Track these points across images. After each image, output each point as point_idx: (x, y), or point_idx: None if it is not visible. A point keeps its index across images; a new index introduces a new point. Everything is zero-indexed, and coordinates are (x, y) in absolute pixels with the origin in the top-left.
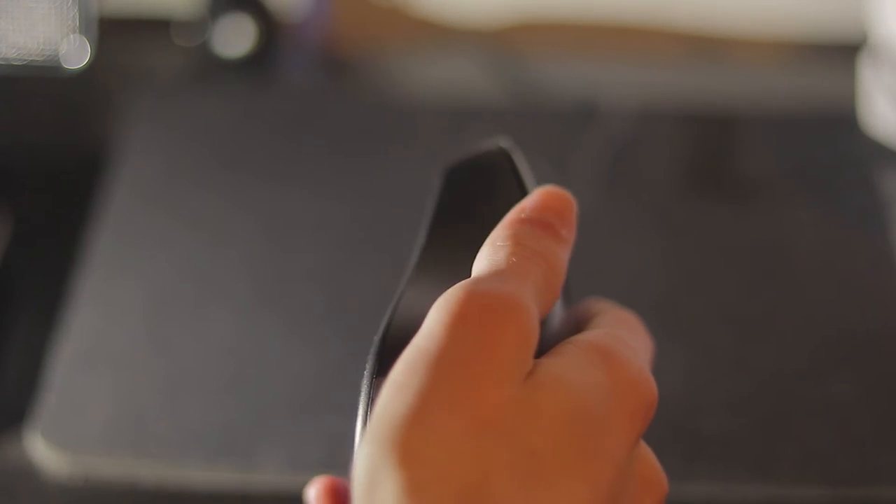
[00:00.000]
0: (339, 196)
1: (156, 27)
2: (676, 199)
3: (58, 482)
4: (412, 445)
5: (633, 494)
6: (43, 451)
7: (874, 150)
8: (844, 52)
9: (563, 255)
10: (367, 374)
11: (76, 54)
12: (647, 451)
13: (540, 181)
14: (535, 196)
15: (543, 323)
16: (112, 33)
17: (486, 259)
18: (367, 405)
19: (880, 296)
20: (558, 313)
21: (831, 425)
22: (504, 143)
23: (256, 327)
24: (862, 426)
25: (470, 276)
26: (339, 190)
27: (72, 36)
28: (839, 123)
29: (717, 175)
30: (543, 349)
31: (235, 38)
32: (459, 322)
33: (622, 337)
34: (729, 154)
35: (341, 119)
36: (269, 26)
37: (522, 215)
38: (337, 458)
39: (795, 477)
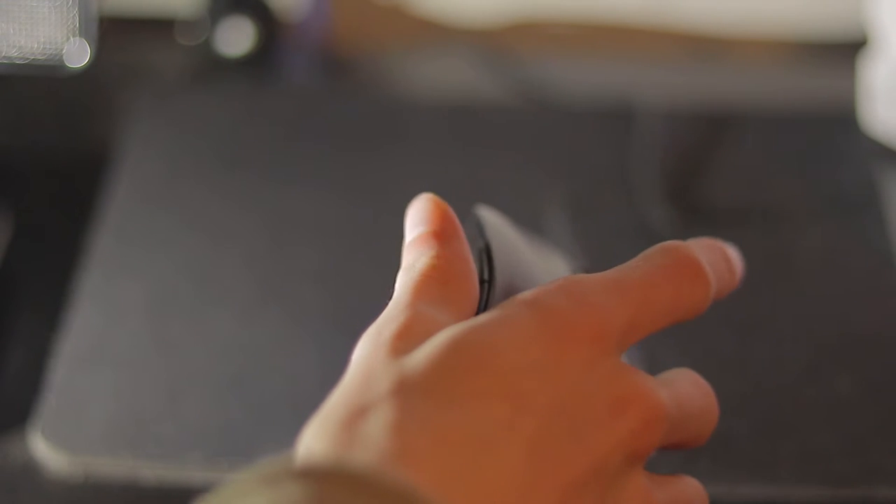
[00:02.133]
0: (339, 195)
1: (157, 26)
2: (675, 199)
3: (59, 481)
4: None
5: (597, 412)
6: (44, 450)
7: (874, 150)
8: (844, 51)
9: (449, 247)
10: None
11: (77, 54)
12: (621, 372)
13: (537, 186)
14: (407, 219)
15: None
16: (113, 33)
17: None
18: None
19: (880, 296)
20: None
21: (831, 425)
22: (479, 212)
23: (257, 327)
24: (862, 426)
25: None
26: (339, 189)
27: (73, 35)
28: (839, 123)
29: (716, 175)
30: None
31: (236, 37)
32: (357, 350)
33: (560, 284)
34: (728, 154)
35: (341, 118)
36: (270, 26)
37: (404, 246)
38: None
39: (795, 477)
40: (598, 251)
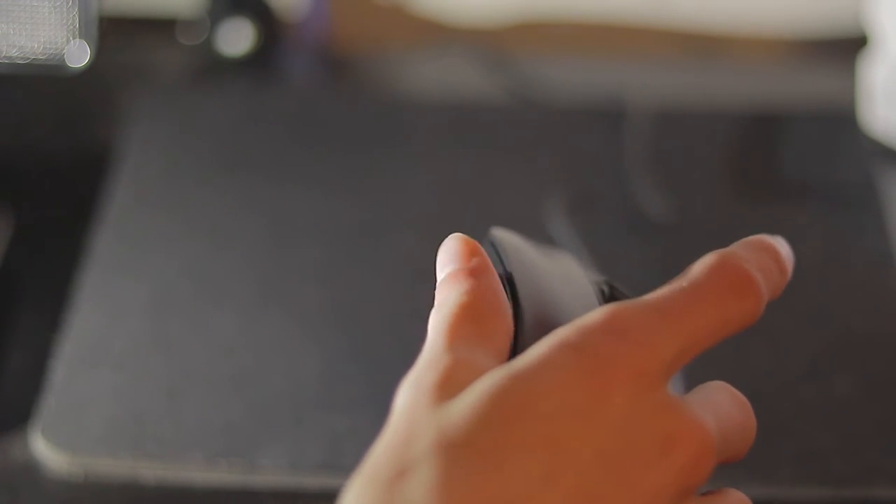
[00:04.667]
0: (340, 195)
1: (158, 26)
2: (675, 198)
3: (59, 481)
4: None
5: (644, 454)
6: (44, 450)
7: (874, 150)
8: (844, 50)
9: (479, 282)
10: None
11: (77, 54)
12: (668, 407)
13: (537, 186)
14: (437, 259)
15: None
16: (114, 32)
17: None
18: None
19: (880, 296)
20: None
21: (830, 425)
22: (495, 235)
23: (258, 326)
24: (861, 426)
25: None
26: (339, 189)
27: (73, 36)
28: (839, 123)
29: (716, 174)
30: None
31: (236, 37)
32: (399, 398)
33: (602, 320)
34: (728, 153)
35: (341, 118)
36: (270, 26)
37: (437, 286)
38: (338, 458)
39: (794, 477)
40: (598, 248)
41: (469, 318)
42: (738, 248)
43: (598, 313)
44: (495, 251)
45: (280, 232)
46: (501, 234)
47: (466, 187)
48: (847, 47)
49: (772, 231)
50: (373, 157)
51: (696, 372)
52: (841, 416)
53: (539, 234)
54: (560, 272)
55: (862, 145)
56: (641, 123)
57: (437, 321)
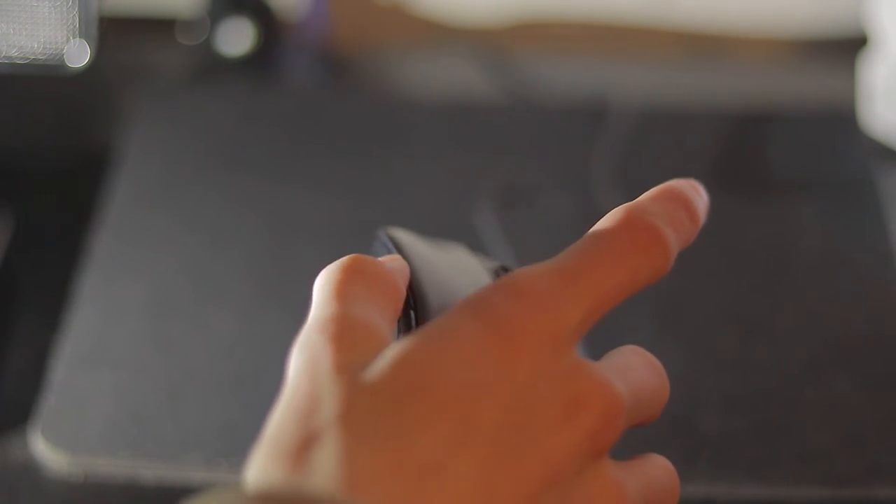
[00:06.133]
0: (339, 194)
1: (157, 26)
2: None
3: (59, 481)
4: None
5: (552, 417)
6: (44, 450)
7: (874, 150)
8: (844, 51)
9: (364, 257)
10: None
11: (77, 54)
12: (575, 370)
13: (536, 186)
14: None
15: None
16: (114, 32)
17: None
18: None
19: (880, 296)
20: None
21: (831, 425)
22: (389, 233)
23: (257, 326)
24: (861, 426)
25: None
26: (339, 188)
27: (73, 35)
28: (839, 123)
29: (717, 175)
30: None
31: (236, 37)
32: (294, 362)
33: (506, 286)
34: (728, 153)
35: (341, 118)
36: (270, 26)
37: None
38: None
39: (794, 477)
40: None
41: (356, 274)
42: (645, 200)
43: (501, 281)
44: (387, 248)
45: (280, 232)
46: (392, 231)
47: (465, 187)
48: (847, 47)
49: (772, 231)
50: (373, 156)
51: (698, 368)
52: (841, 416)
53: (537, 232)
54: (455, 262)
55: (862, 145)
56: (639, 123)
57: (323, 282)
